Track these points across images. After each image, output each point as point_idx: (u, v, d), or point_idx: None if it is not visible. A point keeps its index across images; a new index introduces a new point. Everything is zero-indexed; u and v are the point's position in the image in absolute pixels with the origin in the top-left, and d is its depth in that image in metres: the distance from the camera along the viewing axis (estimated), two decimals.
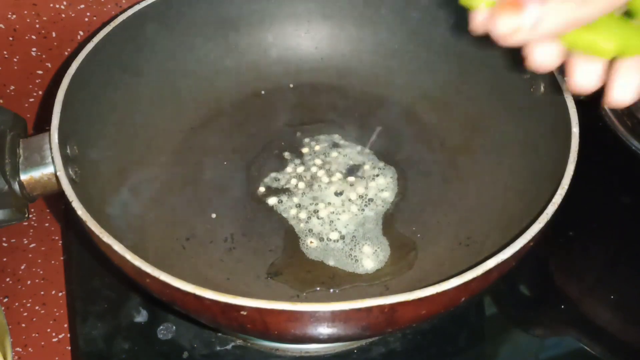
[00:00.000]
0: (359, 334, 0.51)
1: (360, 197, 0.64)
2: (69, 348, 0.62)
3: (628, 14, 0.41)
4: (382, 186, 0.65)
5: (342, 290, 0.57)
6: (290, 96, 0.73)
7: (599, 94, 0.42)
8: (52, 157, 0.50)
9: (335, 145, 0.69)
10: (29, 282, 0.67)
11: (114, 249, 0.44)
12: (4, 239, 0.70)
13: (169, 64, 0.67)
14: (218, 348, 0.59)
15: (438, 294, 0.42)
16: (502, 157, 0.62)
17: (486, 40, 0.62)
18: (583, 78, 0.40)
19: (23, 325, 0.64)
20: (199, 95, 0.71)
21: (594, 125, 0.77)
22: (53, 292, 0.66)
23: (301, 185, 0.65)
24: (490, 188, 0.63)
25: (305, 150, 0.69)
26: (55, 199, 0.74)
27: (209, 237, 0.61)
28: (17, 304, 0.65)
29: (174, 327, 0.59)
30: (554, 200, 0.48)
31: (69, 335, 0.63)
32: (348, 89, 0.74)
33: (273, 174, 0.67)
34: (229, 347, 0.59)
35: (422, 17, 0.69)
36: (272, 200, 0.64)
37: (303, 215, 0.63)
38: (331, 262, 0.59)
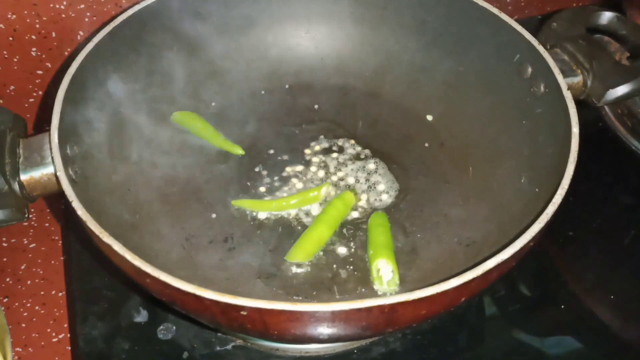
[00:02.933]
0: (359, 334, 0.51)
1: (361, 197, 0.64)
2: (69, 348, 0.62)
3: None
4: (382, 186, 0.65)
5: (343, 290, 0.57)
6: (290, 96, 0.73)
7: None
8: (52, 157, 0.50)
9: (335, 145, 0.69)
10: (29, 282, 0.67)
11: (114, 249, 0.44)
12: (4, 239, 0.70)
13: (168, 64, 0.67)
14: (218, 348, 0.59)
15: (438, 294, 0.42)
16: (502, 157, 0.62)
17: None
18: None
19: (23, 325, 0.64)
20: (198, 95, 0.71)
21: (594, 125, 0.77)
22: (53, 292, 0.66)
23: (300, 185, 0.65)
24: (490, 188, 0.63)
25: (305, 150, 0.69)
26: (55, 199, 0.74)
27: (208, 237, 0.61)
28: (17, 304, 0.65)
29: (174, 327, 0.59)
30: (554, 200, 0.48)
31: (69, 335, 0.63)
32: (348, 89, 0.74)
33: (273, 174, 0.67)
34: (229, 347, 0.59)
35: (422, 18, 0.69)
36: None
37: (303, 215, 0.63)
38: (332, 262, 0.59)
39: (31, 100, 0.75)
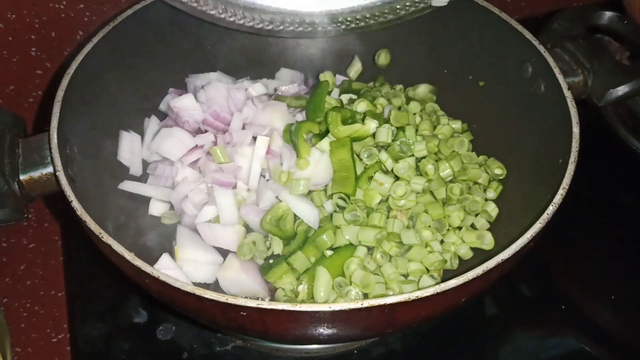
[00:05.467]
0: (360, 335, 0.51)
1: None
2: (69, 348, 0.62)
3: None
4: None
5: None
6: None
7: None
8: (52, 157, 0.50)
9: None
10: (28, 282, 0.67)
11: (114, 249, 0.44)
12: (4, 239, 0.70)
13: (168, 63, 0.67)
14: (218, 349, 0.58)
15: (438, 294, 0.42)
16: (502, 158, 0.62)
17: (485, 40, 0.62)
18: None
19: (23, 325, 0.63)
20: None
21: (594, 125, 0.77)
22: (52, 292, 0.66)
23: None
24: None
25: None
26: (54, 199, 0.73)
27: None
28: (16, 304, 0.65)
29: (174, 328, 0.59)
30: (554, 200, 0.48)
31: (68, 335, 0.63)
32: None
33: None
34: (228, 347, 0.59)
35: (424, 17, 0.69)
36: None
37: None
38: None
39: (31, 100, 0.75)
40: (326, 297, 0.53)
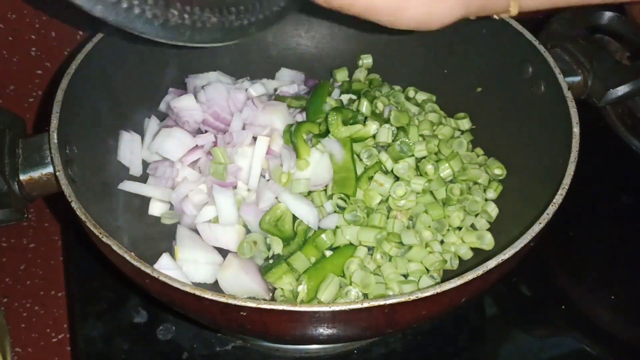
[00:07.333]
0: (360, 335, 0.51)
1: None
2: (69, 348, 0.62)
3: None
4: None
5: None
6: None
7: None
8: (52, 158, 0.50)
9: None
10: (28, 282, 0.67)
11: (114, 249, 0.44)
12: (4, 239, 0.70)
13: (168, 63, 0.67)
14: (218, 349, 0.59)
15: (438, 294, 0.42)
16: (502, 158, 0.62)
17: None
18: None
19: (23, 325, 0.63)
20: None
21: (594, 125, 0.77)
22: (52, 292, 0.66)
23: None
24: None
25: None
26: (55, 199, 0.73)
27: None
28: (16, 304, 0.65)
29: (174, 328, 0.59)
30: (554, 200, 0.48)
31: (68, 335, 0.63)
32: None
33: None
34: (228, 347, 0.59)
35: None
36: None
37: None
38: None
39: (31, 100, 0.75)
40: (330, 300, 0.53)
